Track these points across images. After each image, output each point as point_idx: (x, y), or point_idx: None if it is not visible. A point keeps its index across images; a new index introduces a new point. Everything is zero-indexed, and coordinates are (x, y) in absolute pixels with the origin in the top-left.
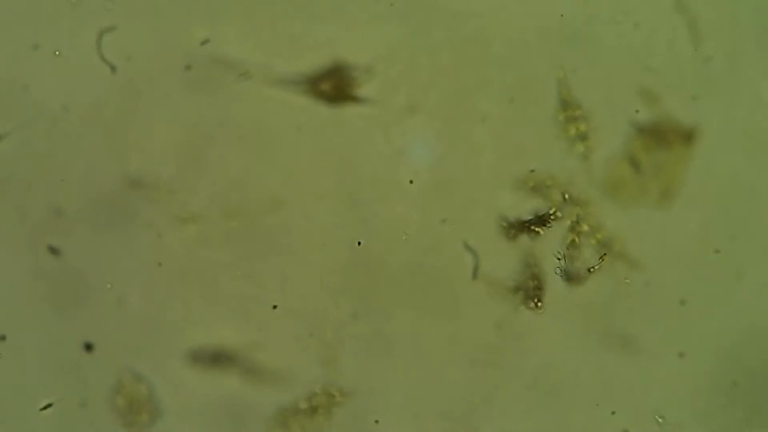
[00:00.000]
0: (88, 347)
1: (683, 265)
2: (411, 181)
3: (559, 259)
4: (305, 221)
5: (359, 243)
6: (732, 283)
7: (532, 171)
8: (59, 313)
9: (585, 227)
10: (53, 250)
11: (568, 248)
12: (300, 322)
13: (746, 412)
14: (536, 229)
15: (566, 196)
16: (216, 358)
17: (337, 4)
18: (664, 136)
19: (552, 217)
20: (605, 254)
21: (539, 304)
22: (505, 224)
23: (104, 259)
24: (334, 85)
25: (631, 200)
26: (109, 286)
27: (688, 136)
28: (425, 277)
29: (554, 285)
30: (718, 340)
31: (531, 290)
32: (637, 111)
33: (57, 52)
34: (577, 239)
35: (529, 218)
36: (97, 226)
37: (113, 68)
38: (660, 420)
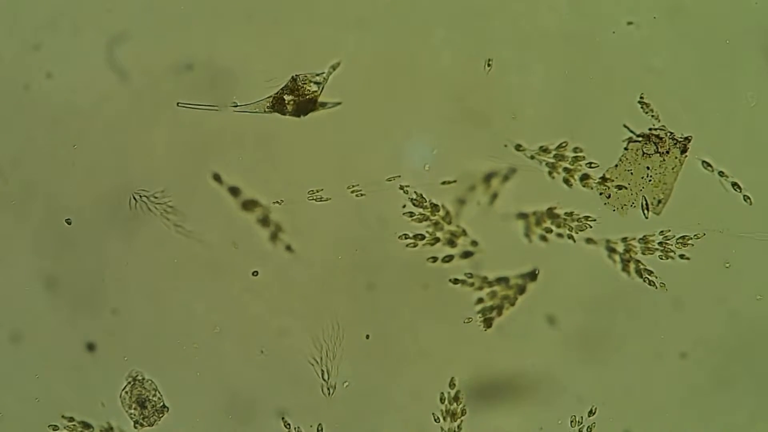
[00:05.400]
0: (90, 347)
1: (683, 266)
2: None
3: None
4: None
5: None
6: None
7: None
8: (62, 315)
9: (585, 232)
10: (54, 253)
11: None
12: (300, 323)
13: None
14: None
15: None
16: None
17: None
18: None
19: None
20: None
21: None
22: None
23: (105, 263)
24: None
25: (629, 204)
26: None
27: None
28: (425, 279)
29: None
30: (719, 340)
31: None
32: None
33: (56, 58)
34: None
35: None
36: (98, 230)
37: (116, 71)
38: None
